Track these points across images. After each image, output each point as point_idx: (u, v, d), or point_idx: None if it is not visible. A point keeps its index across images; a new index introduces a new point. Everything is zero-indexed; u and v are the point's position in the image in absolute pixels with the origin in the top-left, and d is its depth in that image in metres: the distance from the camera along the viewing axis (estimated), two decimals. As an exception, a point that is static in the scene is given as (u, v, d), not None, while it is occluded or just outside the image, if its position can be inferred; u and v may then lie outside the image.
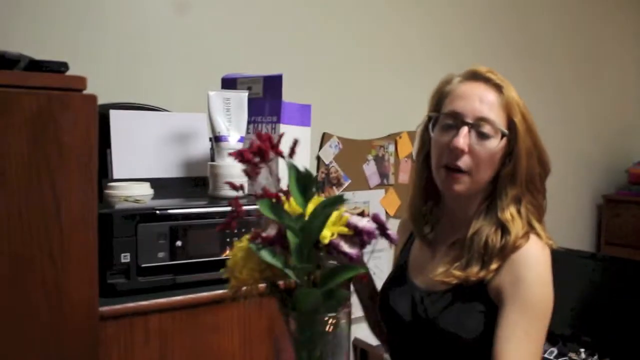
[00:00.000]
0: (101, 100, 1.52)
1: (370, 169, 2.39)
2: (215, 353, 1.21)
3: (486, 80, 1.16)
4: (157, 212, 1.16)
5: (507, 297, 1.08)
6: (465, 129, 1.12)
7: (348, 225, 0.74)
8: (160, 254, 1.15)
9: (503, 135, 1.12)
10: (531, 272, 1.09)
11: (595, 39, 3.48)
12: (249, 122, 1.37)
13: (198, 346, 1.19)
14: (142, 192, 1.32)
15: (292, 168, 0.75)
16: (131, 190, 1.31)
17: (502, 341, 1.06)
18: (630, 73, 3.77)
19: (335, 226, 0.74)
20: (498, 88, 1.15)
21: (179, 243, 1.17)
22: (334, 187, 2.26)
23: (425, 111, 1.21)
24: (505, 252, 1.10)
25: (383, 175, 2.43)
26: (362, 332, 2.42)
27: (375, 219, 0.76)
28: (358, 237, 0.74)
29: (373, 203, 2.39)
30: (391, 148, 2.45)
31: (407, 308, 1.20)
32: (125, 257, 1.12)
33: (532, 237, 1.13)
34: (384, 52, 2.44)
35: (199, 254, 1.20)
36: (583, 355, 2.20)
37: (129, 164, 1.44)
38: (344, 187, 2.29)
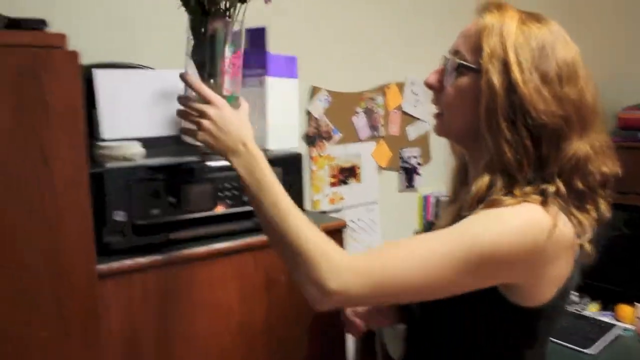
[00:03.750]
0: (83, 61, 1.50)
1: (360, 121, 2.38)
2: (214, 308, 1.23)
3: (482, 10, 1.01)
4: (149, 169, 1.15)
5: None
6: (440, 65, 1.04)
7: None
8: (154, 211, 1.15)
9: (460, 66, 0.98)
10: (496, 215, 0.91)
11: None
12: (236, 76, 1.36)
13: (196, 302, 1.20)
14: (133, 151, 1.31)
15: None
16: (121, 150, 1.30)
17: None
18: (620, 20, 3.74)
19: None
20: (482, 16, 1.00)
21: (172, 199, 1.17)
22: (325, 141, 2.26)
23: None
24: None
25: (373, 127, 2.42)
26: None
27: None
28: None
29: (364, 155, 2.40)
30: (380, 100, 2.44)
31: None
32: (120, 216, 1.12)
33: (528, 205, 0.91)
34: (371, 2, 2.40)
35: (193, 209, 1.20)
36: (575, 299, 2.24)
37: (117, 124, 1.43)
38: (335, 140, 2.29)
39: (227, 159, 1.02)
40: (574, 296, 2.24)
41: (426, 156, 2.62)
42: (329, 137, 2.27)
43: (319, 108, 2.23)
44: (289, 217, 0.95)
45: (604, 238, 2.13)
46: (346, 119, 2.34)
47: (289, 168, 1.32)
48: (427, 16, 2.54)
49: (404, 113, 2.52)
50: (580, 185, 0.96)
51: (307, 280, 0.91)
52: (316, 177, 2.24)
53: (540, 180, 0.94)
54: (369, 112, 2.40)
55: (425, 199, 2.61)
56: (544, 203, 0.92)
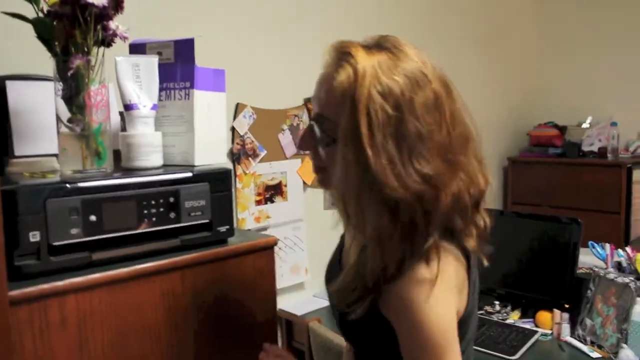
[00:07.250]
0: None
1: (285, 138, 2.36)
2: (139, 331, 1.16)
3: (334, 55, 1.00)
4: (68, 185, 1.08)
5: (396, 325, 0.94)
6: (307, 127, 1.02)
7: None
8: (74, 231, 1.08)
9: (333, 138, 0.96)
10: (413, 310, 0.90)
11: (496, 6, 3.60)
12: (160, 89, 1.31)
13: (120, 325, 1.13)
14: (50, 167, 1.23)
15: None
16: (37, 166, 1.22)
17: None
18: (532, 39, 3.93)
19: None
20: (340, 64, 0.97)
21: (93, 218, 1.10)
22: (250, 158, 2.22)
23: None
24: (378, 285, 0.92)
25: (299, 144, 2.42)
26: (286, 302, 2.42)
27: None
28: None
29: (290, 173, 2.38)
30: (305, 117, 2.44)
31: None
32: (34, 236, 1.04)
33: (407, 276, 0.90)
34: (296, 19, 2.41)
35: (116, 228, 1.13)
36: (497, 307, 2.31)
37: (33, 138, 1.34)
38: (260, 157, 2.26)
39: None
40: (497, 305, 2.30)
41: (351, 173, 2.63)
42: (254, 155, 2.23)
43: (244, 125, 2.20)
44: None
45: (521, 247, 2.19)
46: (272, 136, 2.32)
47: (217, 184, 1.27)
48: (350, 35, 2.57)
49: (329, 130, 2.53)
50: (460, 222, 0.95)
51: None
52: (242, 195, 2.20)
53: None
54: (294, 129, 2.39)
55: (351, 216, 2.62)
56: (426, 260, 0.91)
